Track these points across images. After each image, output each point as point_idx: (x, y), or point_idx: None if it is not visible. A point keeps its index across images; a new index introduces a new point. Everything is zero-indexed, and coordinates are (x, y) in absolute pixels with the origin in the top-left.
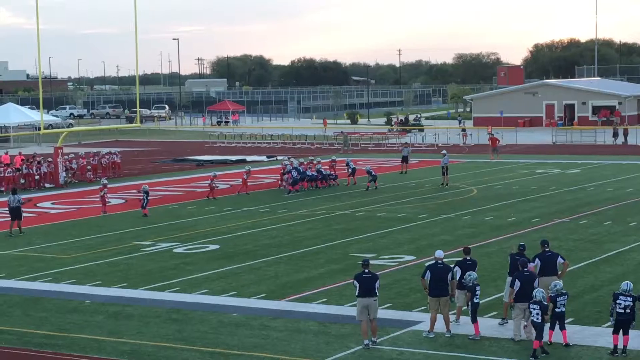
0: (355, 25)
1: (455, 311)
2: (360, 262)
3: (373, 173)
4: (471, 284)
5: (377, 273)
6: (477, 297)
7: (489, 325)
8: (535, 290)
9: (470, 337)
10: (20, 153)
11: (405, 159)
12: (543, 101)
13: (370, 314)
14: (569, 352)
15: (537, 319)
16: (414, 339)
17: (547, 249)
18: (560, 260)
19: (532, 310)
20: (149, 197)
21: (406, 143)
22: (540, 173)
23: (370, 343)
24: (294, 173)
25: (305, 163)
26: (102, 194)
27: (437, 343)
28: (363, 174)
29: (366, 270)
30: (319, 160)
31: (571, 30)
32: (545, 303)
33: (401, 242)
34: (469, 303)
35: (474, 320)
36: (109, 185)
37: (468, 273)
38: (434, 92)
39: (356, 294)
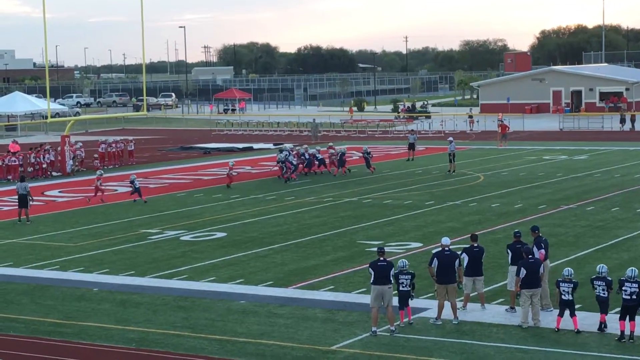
0: (362, 12)
1: (462, 298)
2: (375, 249)
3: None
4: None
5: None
6: (403, 285)
7: (496, 312)
8: (599, 267)
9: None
10: (14, 142)
11: (411, 146)
12: (550, 88)
13: (384, 302)
14: (576, 339)
15: (603, 294)
16: (422, 325)
17: (540, 235)
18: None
19: (596, 286)
20: (137, 186)
21: (412, 130)
22: (547, 159)
23: (392, 332)
24: (293, 160)
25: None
26: (97, 183)
27: (445, 330)
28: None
29: (381, 258)
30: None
31: (578, 17)
32: (610, 278)
33: (408, 229)
34: (399, 290)
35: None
36: (116, 174)
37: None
38: (440, 79)
39: (371, 281)
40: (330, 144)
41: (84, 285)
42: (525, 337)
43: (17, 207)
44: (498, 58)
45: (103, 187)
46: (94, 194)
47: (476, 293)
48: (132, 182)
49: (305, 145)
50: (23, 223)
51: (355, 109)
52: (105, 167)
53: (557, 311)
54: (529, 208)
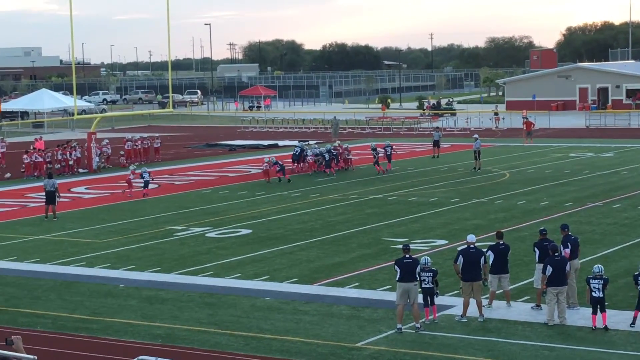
0: (387, 9)
1: (487, 295)
2: (400, 246)
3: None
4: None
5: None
6: (426, 282)
7: (522, 310)
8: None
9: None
10: (39, 138)
11: (436, 143)
12: (576, 84)
13: (410, 299)
14: (603, 337)
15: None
16: (447, 323)
17: (569, 233)
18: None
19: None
20: (147, 179)
21: (437, 127)
22: (574, 157)
23: (417, 329)
24: (326, 155)
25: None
26: (130, 177)
27: (470, 327)
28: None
29: (407, 256)
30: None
31: (605, 13)
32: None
33: (433, 226)
34: (421, 287)
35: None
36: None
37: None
38: (466, 76)
39: (397, 278)
40: (337, 142)
41: (111, 282)
42: (551, 334)
43: (44, 203)
44: (524, 55)
45: (133, 183)
46: (129, 188)
47: (502, 291)
48: (142, 175)
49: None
50: (50, 219)
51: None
52: (131, 164)
53: (583, 309)
54: (555, 206)
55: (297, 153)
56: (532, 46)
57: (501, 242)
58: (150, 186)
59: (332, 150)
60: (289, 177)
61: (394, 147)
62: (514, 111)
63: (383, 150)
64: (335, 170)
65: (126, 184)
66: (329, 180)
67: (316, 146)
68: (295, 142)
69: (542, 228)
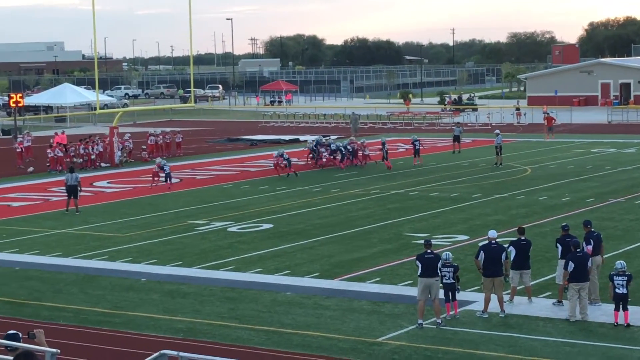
0: (409, 4)
1: (509, 291)
2: (422, 242)
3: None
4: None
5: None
6: (446, 277)
7: (543, 306)
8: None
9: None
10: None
11: (457, 139)
12: (598, 80)
13: (431, 294)
14: (625, 333)
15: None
16: (468, 318)
17: (592, 230)
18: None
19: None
20: (168, 171)
21: (458, 123)
22: (596, 152)
23: (438, 324)
24: (343, 150)
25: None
26: (156, 169)
27: (491, 323)
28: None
29: (428, 251)
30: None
31: (628, 8)
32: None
33: (454, 221)
34: (442, 283)
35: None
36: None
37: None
38: (487, 71)
39: (418, 274)
40: (352, 138)
41: (132, 276)
42: (572, 330)
43: (66, 197)
44: (545, 50)
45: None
46: (166, 180)
47: (523, 286)
48: (162, 167)
49: (353, 138)
50: (71, 213)
51: (402, 100)
52: (153, 159)
53: (605, 305)
54: (576, 201)
55: (314, 148)
56: (554, 41)
57: (523, 238)
58: (172, 181)
59: (348, 146)
60: (295, 171)
61: (421, 141)
62: (536, 106)
63: (411, 145)
64: (345, 166)
65: (151, 177)
66: (350, 175)
67: (332, 141)
68: (312, 137)
69: (564, 224)
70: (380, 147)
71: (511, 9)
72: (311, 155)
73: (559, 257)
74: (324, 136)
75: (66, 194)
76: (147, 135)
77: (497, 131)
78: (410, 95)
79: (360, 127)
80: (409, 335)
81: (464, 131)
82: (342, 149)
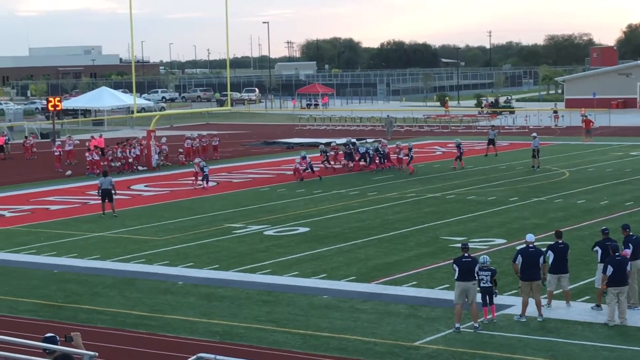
0: (445, 7)
1: (546, 295)
2: (460, 245)
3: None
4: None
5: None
6: (484, 281)
7: (581, 310)
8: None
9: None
10: (99, 136)
11: (491, 142)
12: (637, 82)
13: (469, 298)
14: None
15: None
16: (505, 322)
17: (631, 233)
18: None
19: None
20: (206, 172)
21: (493, 126)
22: (634, 155)
23: (476, 328)
24: (370, 152)
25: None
26: (196, 169)
27: (529, 327)
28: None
29: (465, 254)
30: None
31: None
32: None
33: (491, 225)
34: (479, 286)
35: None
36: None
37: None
38: (524, 73)
39: (455, 277)
40: (383, 140)
41: (169, 279)
42: (611, 335)
43: (112, 201)
44: (583, 52)
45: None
46: (203, 180)
47: (561, 290)
48: (202, 168)
49: (384, 140)
50: (109, 216)
51: (438, 103)
52: (190, 162)
53: None
54: (615, 205)
55: (349, 151)
56: (592, 44)
57: (560, 241)
58: (209, 183)
59: (380, 148)
60: (320, 175)
61: (462, 144)
62: (574, 109)
63: (457, 148)
64: (374, 169)
65: (193, 178)
66: (387, 178)
67: (360, 144)
68: (340, 140)
69: (604, 227)
70: (407, 151)
71: (549, 11)
72: (324, 158)
73: (598, 261)
74: (358, 139)
75: (100, 198)
76: (184, 138)
77: (534, 134)
78: (447, 98)
79: (395, 130)
80: (446, 339)
81: (498, 134)
82: (370, 152)
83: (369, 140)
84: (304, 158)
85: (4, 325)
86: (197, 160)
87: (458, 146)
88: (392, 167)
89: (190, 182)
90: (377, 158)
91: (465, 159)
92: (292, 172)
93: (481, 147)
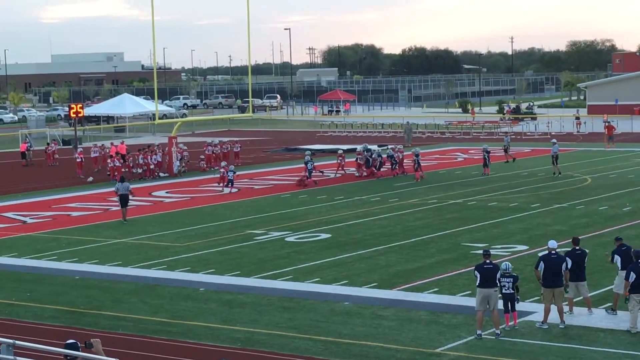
0: (467, 13)
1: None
2: (481, 252)
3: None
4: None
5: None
6: (506, 287)
7: (603, 317)
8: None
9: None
10: (121, 142)
11: (506, 149)
12: None
13: (490, 305)
14: None
15: None
16: (527, 329)
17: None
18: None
19: None
20: (231, 177)
21: (506, 132)
22: None
23: (497, 335)
24: (379, 158)
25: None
26: (224, 173)
27: (551, 334)
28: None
29: (487, 261)
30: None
31: None
32: None
33: (513, 231)
34: (501, 293)
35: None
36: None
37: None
38: (546, 80)
39: (477, 284)
40: (398, 146)
41: (191, 285)
42: (633, 342)
43: (126, 208)
44: (606, 59)
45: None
46: (227, 184)
47: (581, 297)
48: (227, 173)
49: (399, 146)
50: (130, 223)
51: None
52: (211, 168)
53: None
54: (638, 211)
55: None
56: (615, 50)
57: (577, 248)
58: (227, 190)
59: (394, 154)
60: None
61: (490, 151)
62: (596, 115)
63: (484, 154)
64: (383, 174)
65: (221, 182)
66: (408, 184)
67: (374, 150)
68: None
69: (617, 236)
70: (414, 157)
71: (571, 17)
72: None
73: (619, 268)
74: (379, 145)
75: (120, 204)
76: (205, 145)
77: (554, 140)
78: (469, 105)
79: (416, 136)
80: (468, 346)
81: (520, 140)
82: (380, 157)
83: (389, 147)
84: (306, 164)
85: (27, 331)
86: (223, 163)
87: (487, 152)
88: (400, 175)
89: (218, 186)
90: (391, 164)
91: (501, 165)
92: (316, 179)
93: (502, 153)
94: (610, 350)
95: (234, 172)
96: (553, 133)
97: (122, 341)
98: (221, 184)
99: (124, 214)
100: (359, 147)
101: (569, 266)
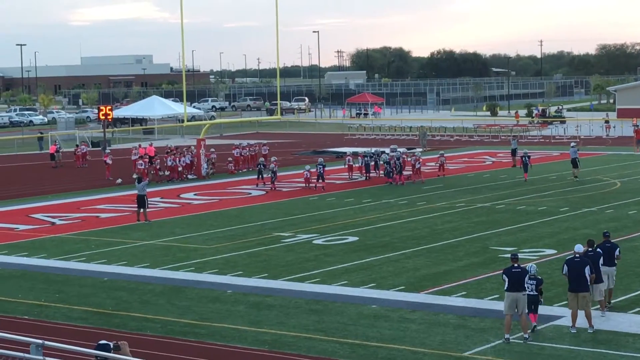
0: (496, 16)
1: (598, 306)
2: (509, 256)
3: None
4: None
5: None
6: (529, 289)
7: (632, 321)
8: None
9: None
10: (150, 144)
11: (514, 152)
12: None
13: (518, 309)
14: None
15: None
16: (556, 333)
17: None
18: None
19: None
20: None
21: (514, 136)
22: None
23: (526, 339)
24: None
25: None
26: (308, 175)
27: (580, 339)
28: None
29: (515, 265)
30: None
31: None
32: None
33: (542, 235)
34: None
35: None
36: (249, 177)
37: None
38: (576, 83)
39: (505, 288)
40: (418, 151)
41: (219, 287)
42: None
43: (145, 208)
44: (636, 62)
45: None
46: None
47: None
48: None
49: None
50: (157, 225)
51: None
52: (240, 171)
53: None
54: None
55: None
56: None
57: (590, 250)
58: (257, 193)
59: (397, 160)
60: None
61: (530, 156)
62: (625, 119)
63: (520, 158)
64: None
65: (305, 182)
66: (436, 188)
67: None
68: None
69: (605, 231)
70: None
71: (600, 20)
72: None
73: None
74: (409, 149)
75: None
76: (233, 147)
77: (573, 143)
78: (497, 108)
79: (428, 140)
80: (496, 350)
81: (550, 144)
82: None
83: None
84: (318, 167)
85: (56, 332)
86: (307, 167)
87: (523, 157)
88: (395, 183)
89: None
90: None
91: (512, 170)
92: (342, 182)
93: (533, 156)
94: (639, 356)
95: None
96: (582, 137)
97: (149, 343)
98: (315, 183)
99: (139, 215)
100: (387, 150)
101: (592, 271)
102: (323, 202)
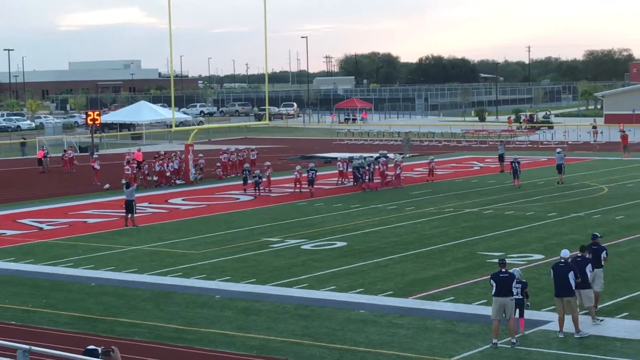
0: (483, 22)
1: (586, 311)
2: (497, 261)
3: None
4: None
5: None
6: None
7: (620, 326)
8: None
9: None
10: (132, 151)
11: (501, 157)
12: None
13: (506, 314)
14: None
15: None
16: (543, 338)
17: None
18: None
19: None
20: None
21: (501, 141)
22: None
23: (513, 344)
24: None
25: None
26: (297, 176)
27: (567, 343)
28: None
29: (503, 270)
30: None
31: None
32: None
33: (529, 240)
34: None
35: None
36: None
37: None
38: (563, 89)
39: (492, 293)
40: (398, 156)
41: (206, 292)
42: None
43: (133, 214)
44: (623, 68)
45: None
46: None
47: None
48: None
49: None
50: (145, 230)
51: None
52: (227, 176)
53: None
54: None
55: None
56: (632, 59)
57: (579, 255)
58: (246, 198)
59: (378, 165)
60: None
61: (520, 161)
62: (613, 125)
63: (509, 163)
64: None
65: (298, 185)
66: (425, 193)
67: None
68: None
69: (594, 233)
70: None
71: (588, 27)
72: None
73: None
74: (399, 153)
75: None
76: (220, 152)
77: (559, 149)
78: (485, 114)
79: (417, 145)
80: (483, 355)
81: (540, 149)
82: (359, 168)
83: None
84: (310, 173)
85: (43, 337)
86: (297, 167)
87: (512, 163)
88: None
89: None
90: (367, 175)
91: (504, 174)
92: (331, 187)
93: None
94: None
95: (260, 177)
96: (570, 142)
97: (137, 348)
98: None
99: (127, 220)
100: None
101: (577, 276)
102: (311, 208)
